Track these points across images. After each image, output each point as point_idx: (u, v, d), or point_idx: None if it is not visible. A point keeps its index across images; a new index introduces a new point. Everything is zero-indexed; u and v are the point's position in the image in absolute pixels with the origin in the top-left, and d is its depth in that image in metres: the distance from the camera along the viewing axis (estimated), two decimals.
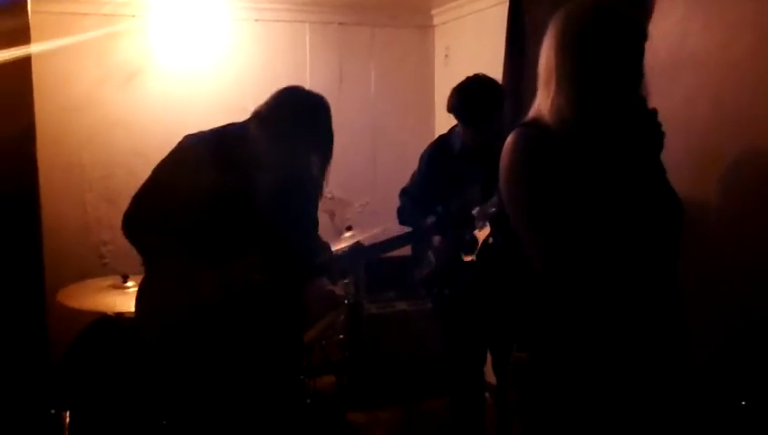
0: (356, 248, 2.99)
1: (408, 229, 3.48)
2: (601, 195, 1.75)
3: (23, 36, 4.00)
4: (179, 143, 2.58)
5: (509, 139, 1.87)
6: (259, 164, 2.52)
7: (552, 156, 1.76)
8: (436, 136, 3.64)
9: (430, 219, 3.21)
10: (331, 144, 2.62)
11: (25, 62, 4.06)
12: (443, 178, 3.31)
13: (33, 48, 4.03)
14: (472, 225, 3.15)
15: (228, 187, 2.48)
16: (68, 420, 3.38)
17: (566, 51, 1.79)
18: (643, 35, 1.79)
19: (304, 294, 2.86)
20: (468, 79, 3.24)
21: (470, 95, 3.18)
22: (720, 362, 2.60)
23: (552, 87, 1.80)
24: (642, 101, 1.81)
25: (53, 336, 4.14)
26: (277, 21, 4.93)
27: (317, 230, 2.91)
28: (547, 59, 1.84)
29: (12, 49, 3.83)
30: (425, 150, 3.52)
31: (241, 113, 2.57)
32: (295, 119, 2.52)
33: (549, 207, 1.77)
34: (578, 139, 1.76)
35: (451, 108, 3.23)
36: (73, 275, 4.02)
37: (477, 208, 3.13)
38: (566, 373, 1.86)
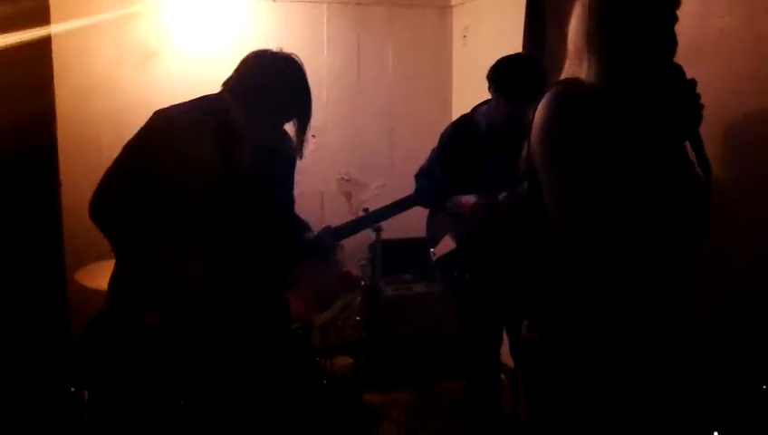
0: (355, 220, 2.96)
1: (426, 212, 3.47)
2: (631, 162, 1.74)
3: (43, 17, 4.02)
4: (150, 119, 2.48)
5: (545, 96, 1.85)
6: (236, 137, 2.45)
7: (587, 115, 1.75)
8: (454, 118, 3.60)
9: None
10: (308, 103, 2.51)
11: (45, 43, 4.09)
12: (466, 159, 3.26)
13: (53, 29, 4.05)
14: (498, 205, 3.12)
15: (206, 162, 2.39)
16: (87, 398, 3.41)
17: (594, 20, 1.77)
18: (674, 1, 1.77)
19: (318, 275, 2.84)
20: (518, 54, 3.23)
21: (515, 64, 3.14)
22: (727, 352, 2.59)
23: (584, 58, 1.79)
24: (679, 70, 1.78)
25: (71, 316, 4.18)
26: (294, 1, 4.91)
27: (293, 206, 2.83)
28: (576, 31, 1.82)
29: (32, 30, 3.85)
30: (446, 130, 3.45)
31: None
32: (265, 83, 2.45)
33: (579, 165, 1.75)
34: (610, 106, 1.75)
35: (491, 75, 3.16)
36: (91, 255, 4.04)
37: (504, 194, 3.09)
38: (578, 354, 1.85)
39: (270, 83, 2.45)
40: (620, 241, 1.74)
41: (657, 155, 1.75)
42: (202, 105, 2.51)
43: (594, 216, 1.73)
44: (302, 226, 2.82)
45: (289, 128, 2.62)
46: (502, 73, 3.13)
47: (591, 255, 1.78)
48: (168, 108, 2.50)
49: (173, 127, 2.43)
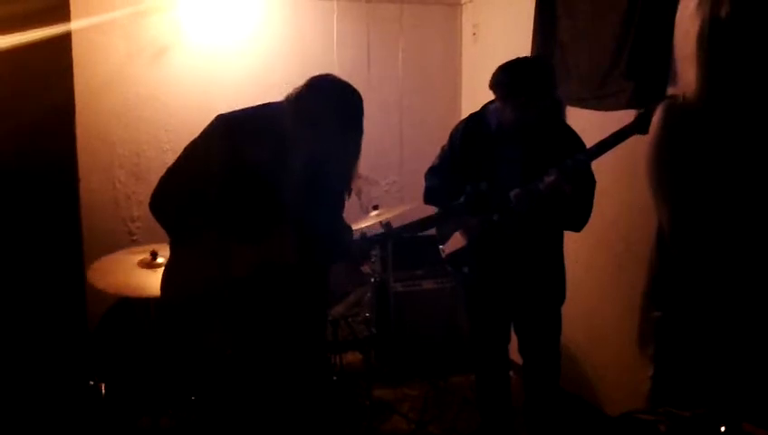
0: (382, 232, 2.98)
1: (435, 210, 3.46)
2: (726, 172, 1.80)
3: (63, 13, 4.06)
4: (211, 123, 2.55)
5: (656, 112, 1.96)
6: (293, 146, 2.51)
7: (685, 128, 1.83)
8: (464, 115, 3.59)
9: (461, 199, 3.17)
10: (361, 139, 2.58)
11: (65, 39, 4.12)
12: (477, 157, 3.24)
13: (72, 25, 4.08)
14: (504, 205, 3.12)
15: (260, 168, 2.47)
16: (104, 391, 3.46)
17: (701, 31, 1.84)
18: None
19: (331, 272, 2.88)
20: (518, 58, 3.14)
21: (522, 69, 3.06)
22: None
23: (691, 66, 1.86)
24: None
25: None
26: None
27: (343, 206, 2.91)
28: (691, 38, 1.89)
29: (53, 26, 3.89)
30: (456, 128, 3.42)
31: (270, 89, 2.57)
32: (333, 109, 2.48)
33: (676, 176, 1.84)
34: (711, 115, 1.81)
35: (497, 83, 3.10)
36: (103, 251, 4.07)
37: (517, 190, 3.07)
38: (694, 326, 2.04)
39: (335, 111, 2.48)
40: (721, 243, 1.82)
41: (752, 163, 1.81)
42: (262, 112, 2.58)
43: (689, 222, 1.83)
44: (344, 228, 2.87)
45: None
46: (503, 81, 3.08)
47: (695, 254, 1.92)
48: (229, 113, 2.57)
49: (231, 132, 2.51)
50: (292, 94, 2.52)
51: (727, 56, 1.82)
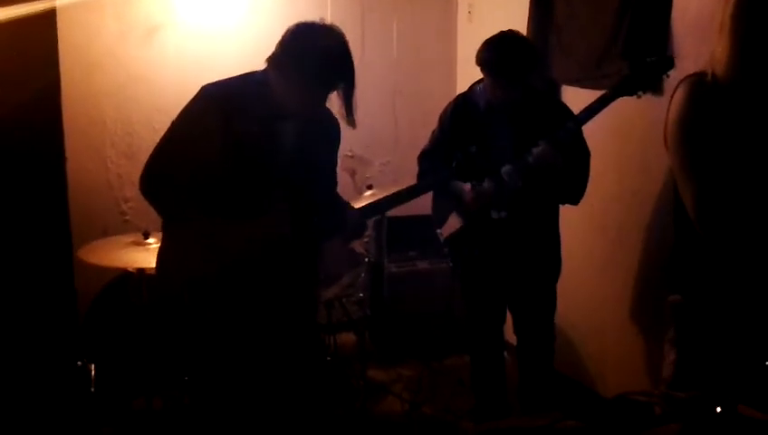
0: (374, 202, 2.97)
1: (430, 194, 3.45)
2: (760, 150, 1.80)
3: None
4: (197, 95, 2.52)
5: (678, 89, 1.97)
6: (280, 113, 2.49)
7: (715, 106, 1.84)
8: (458, 94, 3.58)
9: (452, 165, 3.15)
10: (350, 73, 2.49)
11: (50, 16, 4.08)
12: (467, 136, 3.21)
13: (57, 2, 4.04)
14: (501, 180, 3.10)
15: (250, 138, 2.44)
16: (93, 372, 3.45)
17: (736, 6, 1.84)
18: None
19: (324, 251, 2.86)
20: (503, 32, 3.13)
21: (507, 47, 3.06)
22: None
23: (723, 39, 1.86)
24: None
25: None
26: None
27: (336, 183, 2.90)
28: (723, 9, 1.89)
29: (38, 2, 3.84)
30: (445, 110, 3.43)
31: None
32: (305, 55, 2.42)
33: (704, 157, 1.86)
34: (742, 92, 1.81)
35: (483, 60, 3.10)
36: (95, 231, 4.05)
37: (509, 167, 3.07)
38: (717, 311, 2.02)
39: (310, 55, 2.41)
40: (748, 226, 1.83)
41: None
42: (247, 81, 2.54)
43: (720, 204, 1.84)
44: (341, 204, 2.85)
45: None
46: (489, 58, 3.08)
47: (725, 245, 1.94)
48: (214, 83, 2.53)
49: (219, 103, 2.47)
50: (272, 53, 2.47)
51: (764, 32, 1.82)
